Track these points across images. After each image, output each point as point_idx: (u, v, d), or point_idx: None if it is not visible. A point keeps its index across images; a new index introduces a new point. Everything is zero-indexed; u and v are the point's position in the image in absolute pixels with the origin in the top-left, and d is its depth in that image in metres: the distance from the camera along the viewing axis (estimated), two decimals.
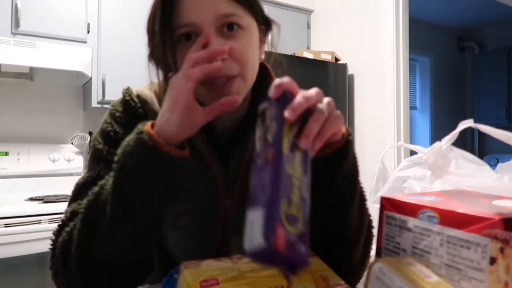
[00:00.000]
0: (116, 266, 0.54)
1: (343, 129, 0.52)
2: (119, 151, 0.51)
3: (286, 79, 0.43)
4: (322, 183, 0.53)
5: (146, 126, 0.49)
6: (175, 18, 0.54)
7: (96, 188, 0.54)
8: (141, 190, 0.50)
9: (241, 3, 0.56)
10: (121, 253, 0.53)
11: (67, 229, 0.56)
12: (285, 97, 0.42)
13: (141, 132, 0.49)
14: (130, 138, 0.50)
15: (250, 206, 0.37)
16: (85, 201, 0.55)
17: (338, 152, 0.52)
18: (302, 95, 0.42)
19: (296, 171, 0.39)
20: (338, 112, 0.47)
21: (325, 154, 0.51)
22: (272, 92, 0.42)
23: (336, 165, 0.53)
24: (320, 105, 0.44)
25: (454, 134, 0.59)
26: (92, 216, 0.53)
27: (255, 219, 0.35)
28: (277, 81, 0.43)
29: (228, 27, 0.55)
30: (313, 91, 0.44)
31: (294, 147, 0.40)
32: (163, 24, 0.55)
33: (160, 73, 0.62)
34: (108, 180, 0.54)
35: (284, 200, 0.36)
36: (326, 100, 0.45)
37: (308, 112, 0.43)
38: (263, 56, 0.64)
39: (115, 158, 0.51)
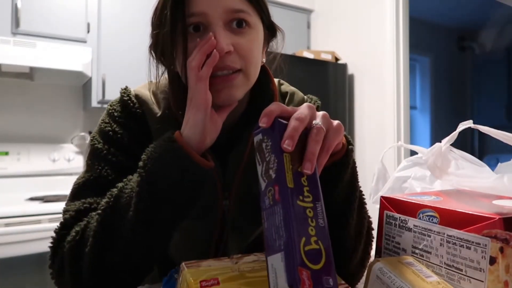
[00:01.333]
0: (130, 268, 0.54)
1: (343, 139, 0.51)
2: (144, 156, 0.51)
3: (274, 105, 0.41)
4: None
5: (176, 135, 0.51)
6: (186, 7, 0.55)
7: (114, 191, 0.54)
8: (169, 196, 0.51)
9: (252, 2, 0.57)
10: (139, 256, 0.53)
11: (77, 228, 0.56)
12: (279, 123, 0.40)
13: (173, 141, 0.50)
14: (157, 145, 0.51)
15: (268, 251, 0.36)
16: (102, 202, 0.55)
17: (338, 162, 0.52)
18: (296, 118, 0.40)
19: (308, 201, 0.37)
20: (336, 122, 0.45)
21: (325, 165, 0.48)
22: (263, 122, 0.40)
23: (336, 176, 0.53)
24: (315, 121, 0.42)
25: (454, 134, 0.59)
26: (110, 219, 0.53)
27: (276, 265, 0.34)
28: (266, 110, 0.41)
29: (238, 24, 0.56)
30: (304, 109, 0.42)
31: (299, 174, 0.38)
32: (174, 13, 0.55)
33: (160, 69, 0.62)
34: (127, 184, 0.54)
35: (302, 238, 0.35)
36: (320, 114, 0.44)
37: (305, 129, 0.41)
38: (264, 60, 0.65)
39: (140, 164, 0.51)
